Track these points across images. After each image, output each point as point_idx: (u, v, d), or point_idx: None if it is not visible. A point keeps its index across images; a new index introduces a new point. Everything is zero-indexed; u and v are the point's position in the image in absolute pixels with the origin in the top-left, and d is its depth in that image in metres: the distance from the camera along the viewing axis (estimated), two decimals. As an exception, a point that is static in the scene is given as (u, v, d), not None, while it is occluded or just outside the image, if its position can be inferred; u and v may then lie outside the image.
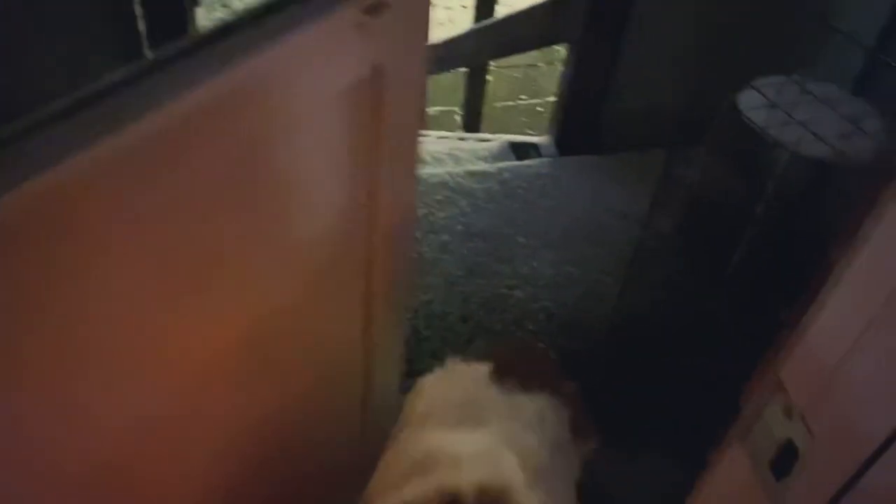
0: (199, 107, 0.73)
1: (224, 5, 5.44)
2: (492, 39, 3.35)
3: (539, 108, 4.69)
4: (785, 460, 0.67)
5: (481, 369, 1.28)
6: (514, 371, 1.25)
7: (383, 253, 1.20)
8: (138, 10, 1.92)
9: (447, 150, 3.00)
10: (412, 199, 1.27)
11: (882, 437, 0.62)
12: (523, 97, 4.81)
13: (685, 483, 1.02)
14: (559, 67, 4.96)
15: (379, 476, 1.18)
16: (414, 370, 1.49)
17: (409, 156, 1.20)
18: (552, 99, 3.25)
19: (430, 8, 1.04)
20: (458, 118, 4.61)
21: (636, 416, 1.92)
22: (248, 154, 0.85)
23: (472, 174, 2.74)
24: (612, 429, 1.26)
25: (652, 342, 2.25)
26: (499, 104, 4.71)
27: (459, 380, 1.30)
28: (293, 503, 1.34)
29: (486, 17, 3.67)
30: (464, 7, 5.64)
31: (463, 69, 3.88)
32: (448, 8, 5.65)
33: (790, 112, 1.99)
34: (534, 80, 4.93)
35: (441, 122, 4.75)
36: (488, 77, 3.95)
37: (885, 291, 0.64)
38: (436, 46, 3.86)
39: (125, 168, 0.69)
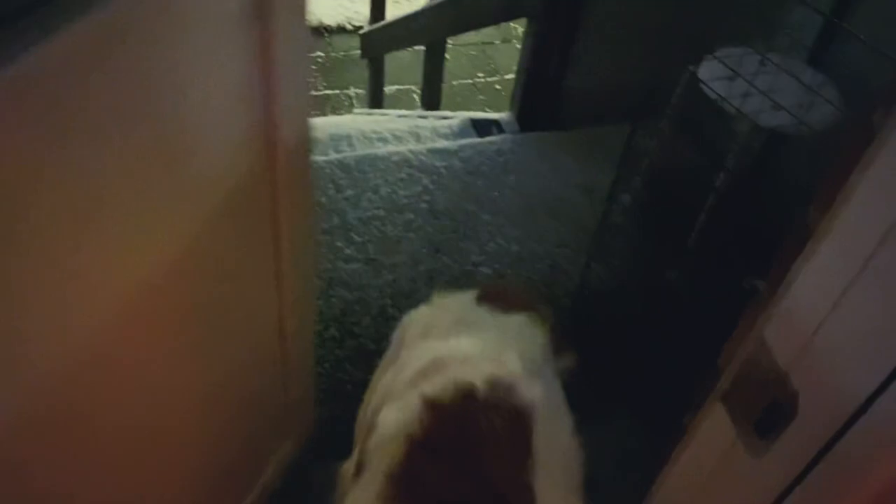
0: (91, 33, 0.72)
1: None
2: (449, 15, 3.31)
3: (497, 87, 4.68)
4: (769, 420, 0.67)
5: (467, 296, 1.38)
6: (496, 297, 1.36)
7: (286, 190, 1.21)
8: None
9: (408, 128, 2.97)
10: (308, 133, 1.25)
11: (864, 394, 0.63)
12: (480, 75, 4.79)
13: (656, 448, 1.03)
14: (516, 45, 4.95)
15: (380, 392, 1.26)
16: (382, 349, 1.49)
17: (303, 84, 1.20)
18: (510, 77, 3.24)
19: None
20: (416, 97, 4.58)
21: (603, 385, 1.94)
22: (142, 79, 0.83)
23: (434, 152, 2.72)
24: (580, 399, 1.27)
25: (616, 313, 2.27)
26: (456, 82, 4.68)
27: (448, 305, 1.40)
28: (223, 448, 1.37)
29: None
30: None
31: (421, 47, 3.84)
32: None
33: (750, 82, 2.01)
34: (490, 58, 4.91)
35: (400, 101, 4.71)
36: (445, 56, 3.91)
37: (863, 252, 0.65)
38: (393, 24, 3.82)
39: (25, 94, 0.68)
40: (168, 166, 0.93)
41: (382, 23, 4.02)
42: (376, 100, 4.36)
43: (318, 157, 2.61)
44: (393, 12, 4.20)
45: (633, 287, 2.35)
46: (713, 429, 0.77)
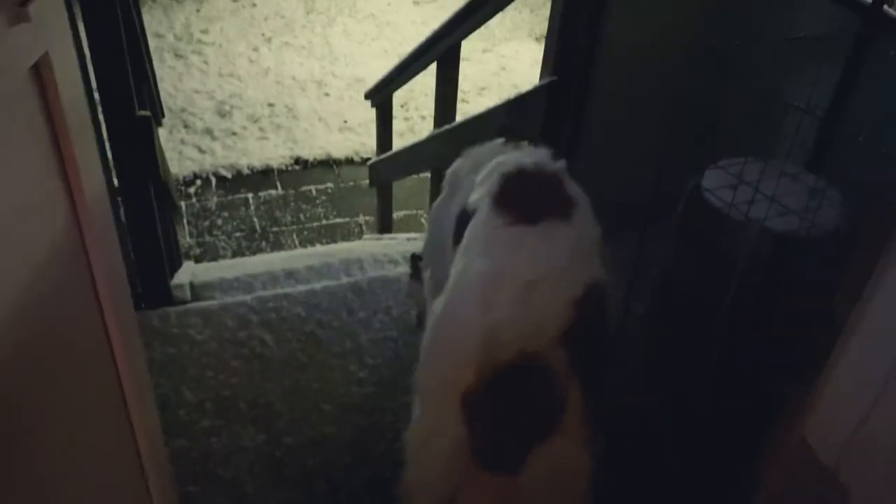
0: None
1: (186, 125, 5.53)
2: (453, 142, 3.41)
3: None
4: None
5: (495, 142, 2.00)
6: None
7: (93, 245, 1.22)
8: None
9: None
10: (103, 189, 1.29)
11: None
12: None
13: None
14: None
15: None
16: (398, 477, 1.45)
17: (88, 139, 1.23)
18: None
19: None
20: (424, 221, 4.65)
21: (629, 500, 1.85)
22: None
23: (444, 272, 2.73)
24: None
25: (640, 430, 2.20)
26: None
27: (482, 150, 1.99)
28: None
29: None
30: (422, 117, 5.81)
31: (427, 174, 3.94)
32: (407, 119, 5.82)
33: (754, 189, 2.04)
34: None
35: (409, 225, 4.79)
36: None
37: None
38: (399, 153, 3.94)
39: None
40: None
41: (389, 153, 4.16)
42: (385, 225, 4.44)
43: (330, 282, 2.62)
44: (398, 143, 4.35)
45: (653, 400, 2.29)
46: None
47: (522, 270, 1.46)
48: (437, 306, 1.57)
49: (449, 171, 2.04)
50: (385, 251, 2.99)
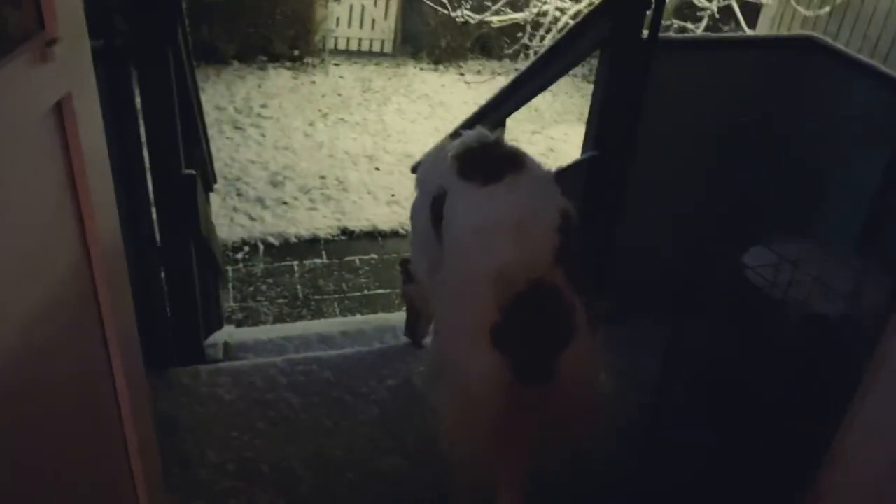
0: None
1: (239, 193, 5.69)
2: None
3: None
4: None
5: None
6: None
7: (105, 284, 1.22)
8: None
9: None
10: (118, 235, 1.30)
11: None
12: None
13: None
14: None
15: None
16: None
17: (105, 182, 1.25)
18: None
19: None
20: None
21: None
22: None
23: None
24: None
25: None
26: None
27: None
28: None
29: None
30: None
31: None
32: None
33: (797, 269, 1.98)
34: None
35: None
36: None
37: None
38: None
39: None
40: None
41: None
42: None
43: (362, 348, 2.61)
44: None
45: (697, 488, 2.17)
46: None
47: (509, 215, 1.73)
48: (442, 276, 1.85)
49: (417, 174, 2.36)
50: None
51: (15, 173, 0.99)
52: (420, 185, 2.28)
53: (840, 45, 2.50)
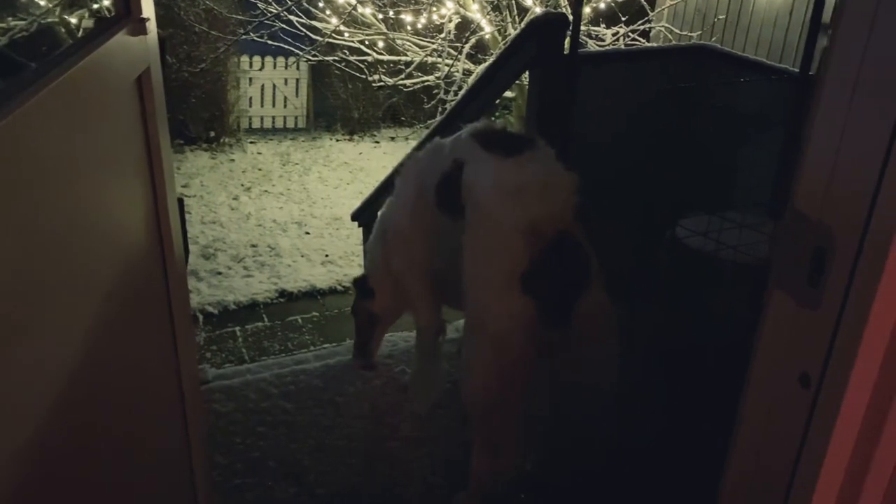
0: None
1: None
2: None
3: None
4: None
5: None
6: None
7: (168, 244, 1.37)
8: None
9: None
10: (175, 200, 1.45)
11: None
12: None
13: None
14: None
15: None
16: None
17: (169, 157, 1.41)
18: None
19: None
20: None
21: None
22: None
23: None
24: None
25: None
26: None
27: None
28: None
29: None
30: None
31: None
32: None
33: (717, 236, 2.34)
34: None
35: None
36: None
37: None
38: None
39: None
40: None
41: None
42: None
43: (343, 357, 2.75)
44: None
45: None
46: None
47: (534, 177, 1.92)
48: (465, 239, 1.95)
49: (400, 175, 2.46)
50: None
51: (115, 135, 1.17)
52: (406, 183, 2.40)
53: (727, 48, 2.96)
